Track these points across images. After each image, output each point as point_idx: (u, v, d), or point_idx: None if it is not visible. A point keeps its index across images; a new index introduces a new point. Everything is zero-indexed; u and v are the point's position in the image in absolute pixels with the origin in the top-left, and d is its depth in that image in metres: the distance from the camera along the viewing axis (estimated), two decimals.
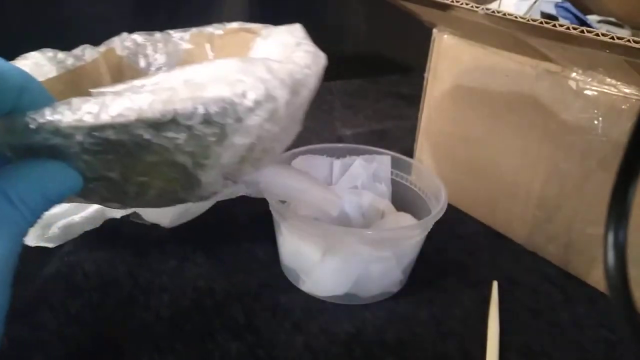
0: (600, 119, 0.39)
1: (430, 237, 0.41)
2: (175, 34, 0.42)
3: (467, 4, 0.41)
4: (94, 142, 0.22)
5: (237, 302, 0.40)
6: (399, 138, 0.70)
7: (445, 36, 0.51)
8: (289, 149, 0.46)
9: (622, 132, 0.38)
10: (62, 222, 0.41)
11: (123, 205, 0.28)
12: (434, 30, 0.52)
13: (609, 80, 0.38)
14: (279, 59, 0.27)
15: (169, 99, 0.22)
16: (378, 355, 0.36)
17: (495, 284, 0.42)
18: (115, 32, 0.43)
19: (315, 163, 0.48)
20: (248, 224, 0.49)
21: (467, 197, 0.53)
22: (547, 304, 0.42)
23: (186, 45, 0.42)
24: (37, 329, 0.36)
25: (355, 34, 1.21)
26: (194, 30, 0.42)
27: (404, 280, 0.42)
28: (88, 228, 0.42)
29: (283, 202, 0.40)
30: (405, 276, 0.42)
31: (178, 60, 0.42)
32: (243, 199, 0.40)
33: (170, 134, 0.22)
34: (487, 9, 0.39)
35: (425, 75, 0.55)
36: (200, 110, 0.22)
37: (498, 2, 0.46)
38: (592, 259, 0.43)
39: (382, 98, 0.87)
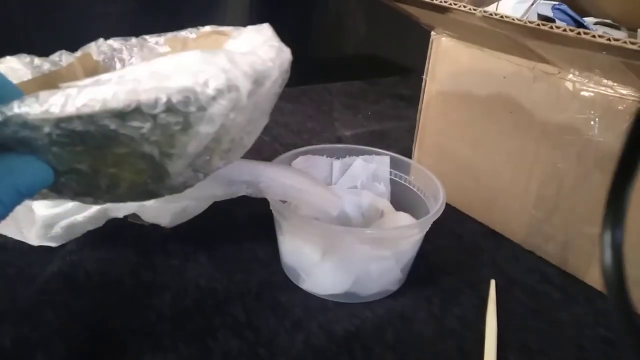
0: (597, 119, 0.40)
1: (428, 237, 0.41)
2: (151, 39, 0.43)
3: (464, 7, 0.41)
4: (62, 134, 0.22)
5: (238, 300, 0.40)
6: (398, 139, 0.71)
7: (444, 38, 0.51)
8: (289, 149, 0.47)
9: (618, 132, 0.39)
10: (64, 222, 0.41)
11: (96, 200, 0.29)
12: (432, 33, 0.53)
13: (605, 81, 0.39)
14: (242, 52, 0.28)
15: (133, 89, 0.23)
16: (377, 354, 0.36)
17: (493, 283, 0.43)
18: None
19: (315, 163, 0.48)
20: (249, 223, 0.49)
21: (465, 197, 0.53)
22: (545, 303, 0.42)
23: (161, 49, 0.43)
24: (40, 328, 0.36)
25: (355, 36, 1.21)
26: (169, 34, 0.43)
27: (403, 279, 0.42)
28: (90, 227, 0.42)
29: (283, 202, 0.40)
30: (404, 275, 0.42)
31: None
32: (244, 199, 0.40)
33: (135, 124, 0.23)
34: (485, 12, 0.40)
35: (424, 76, 0.55)
36: (163, 99, 0.23)
37: (495, 4, 0.47)
38: (589, 258, 0.44)
39: (381, 99, 0.87)
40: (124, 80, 0.23)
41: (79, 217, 0.41)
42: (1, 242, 0.44)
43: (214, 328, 0.37)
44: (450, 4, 0.42)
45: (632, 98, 0.38)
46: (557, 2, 0.43)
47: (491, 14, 0.39)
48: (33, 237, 0.42)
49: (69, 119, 0.22)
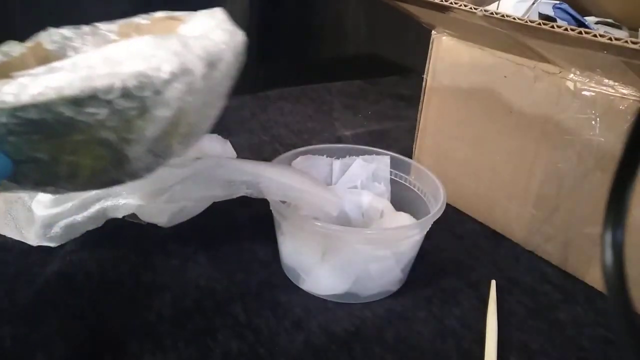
0: (598, 119, 0.40)
1: (429, 237, 0.41)
2: (103, 26, 0.43)
3: (465, 6, 0.41)
4: (18, 123, 0.22)
5: (238, 301, 0.40)
6: (398, 138, 0.70)
7: (444, 38, 0.51)
8: (289, 149, 0.47)
9: (619, 132, 0.39)
10: (64, 222, 0.41)
11: (57, 189, 0.29)
12: (433, 32, 0.53)
13: (606, 81, 0.39)
14: (195, 36, 0.28)
15: (87, 75, 0.23)
16: (377, 354, 0.36)
17: (493, 283, 0.43)
18: None
19: (315, 163, 0.48)
20: (249, 224, 0.49)
21: (465, 197, 0.53)
22: (545, 303, 0.42)
23: (114, 37, 0.42)
24: (40, 328, 0.36)
25: (355, 36, 1.21)
26: (121, 21, 0.42)
27: (404, 279, 0.42)
28: (90, 227, 0.42)
29: (283, 202, 0.40)
30: (404, 275, 0.42)
31: None
32: (244, 200, 0.40)
33: (91, 110, 0.23)
34: (486, 11, 0.39)
35: (424, 76, 0.55)
36: (118, 84, 0.23)
37: (496, 3, 0.47)
38: (589, 258, 0.43)
39: (382, 99, 0.87)
40: (77, 67, 0.23)
41: (79, 217, 0.41)
42: (1, 242, 0.44)
43: (214, 328, 0.37)
44: (451, 3, 0.42)
45: (633, 98, 0.37)
46: (558, 2, 0.43)
47: (492, 13, 0.39)
48: (32, 237, 0.42)
49: (25, 107, 0.22)
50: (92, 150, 0.25)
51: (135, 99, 0.24)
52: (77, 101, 0.23)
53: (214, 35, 0.29)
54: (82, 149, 0.25)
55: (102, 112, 0.24)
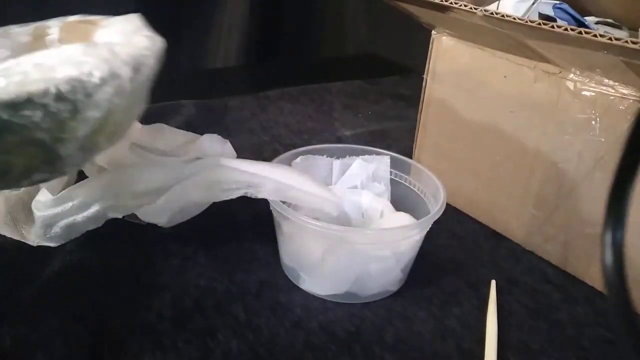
0: (598, 119, 0.40)
1: (429, 237, 0.41)
2: (17, 29, 0.44)
3: (465, 6, 0.41)
4: None
5: (238, 300, 0.40)
6: (398, 138, 0.70)
7: (444, 38, 0.51)
8: (289, 149, 0.47)
9: (619, 132, 0.39)
10: (64, 222, 0.41)
11: None
12: (433, 32, 0.53)
13: (606, 81, 0.39)
14: (120, 43, 0.32)
15: (21, 81, 0.25)
16: (377, 354, 0.36)
17: (493, 283, 0.43)
18: None
19: (315, 163, 0.48)
20: (248, 223, 0.49)
21: (465, 197, 0.53)
22: (545, 303, 0.42)
23: (27, 39, 0.43)
24: (40, 328, 0.36)
25: (355, 36, 1.21)
26: (35, 24, 0.43)
27: (404, 279, 0.42)
28: (90, 227, 0.42)
29: (283, 202, 0.40)
30: (404, 275, 0.42)
31: (22, 53, 0.43)
32: (243, 199, 0.40)
33: (27, 113, 0.25)
34: (486, 11, 0.39)
35: (424, 76, 0.55)
36: (52, 89, 0.25)
37: (496, 3, 0.47)
38: (590, 259, 0.43)
39: (382, 99, 0.87)
40: (10, 72, 0.25)
41: (78, 217, 0.41)
42: (1, 242, 0.44)
43: (214, 328, 0.37)
44: (451, 3, 0.42)
45: (633, 98, 0.37)
46: (558, 1, 0.43)
47: (492, 13, 0.39)
48: (32, 237, 0.42)
49: None
50: (25, 149, 0.27)
51: (68, 101, 0.26)
52: (14, 105, 0.25)
53: (136, 41, 0.33)
54: (15, 149, 0.27)
55: (36, 115, 0.26)
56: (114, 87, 0.28)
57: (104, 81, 0.28)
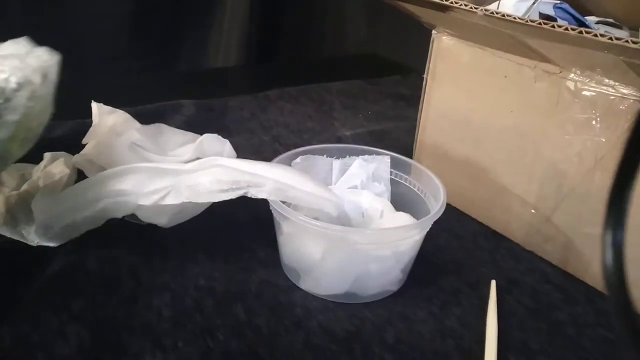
0: (598, 119, 0.40)
1: (429, 237, 0.41)
2: None
3: (466, 5, 0.41)
4: None
5: (238, 300, 0.40)
6: (398, 138, 0.70)
7: (445, 37, 0.51)
8: (289, 149, 0.47)
9: (620, 132, 0.39)
10: (64, 222, 0.41)
11: None
12: (433, 32, 0.53)
13: (607, 80, 0.39)
14: (26, 54, 0.36)
15: None
16: (377, 354, 0.36)
17: (493, 283, 0.43)
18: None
19: (315, 163, 0.48)
20: (248, 223, 0.49)
21: (465, 197, 0.53)
22: (546, 303, 0.42)
23: None
24: (40, 328, 0.36)
25: (355, 36, 1.21)
26: None
27: (403, 279, 0.42)
28: (90, 227, 0.42)
29: (283, 202, 0.40)
30: (404, 275, 0.42)
31: None
32: (243, 200, 0.40)
33: None
34: (486, 10, 0.39)
35: (425, 76, 0.55)
36: None
37: (497, 3, 0.47)
38: (590, 259, 0.43)
39: (382, 99, 0.87)
40: None
41: (79, 217, 0.41)
42: (1, 242, 0.44)
43: (213, 328, 0.37)
44: (452, 3, 0.42)
45: (634, 98, 0.37)
46: (558, 1, 0.43)
47: (492, 13, 0.39)
48: (32, 237, 0.42)
49: None
50: None
51: None
52: None
53: (37, 54, 0.36)
54: None
55: None
56: (28, 91, 0.32)
57: (20, 86, 0.32)
